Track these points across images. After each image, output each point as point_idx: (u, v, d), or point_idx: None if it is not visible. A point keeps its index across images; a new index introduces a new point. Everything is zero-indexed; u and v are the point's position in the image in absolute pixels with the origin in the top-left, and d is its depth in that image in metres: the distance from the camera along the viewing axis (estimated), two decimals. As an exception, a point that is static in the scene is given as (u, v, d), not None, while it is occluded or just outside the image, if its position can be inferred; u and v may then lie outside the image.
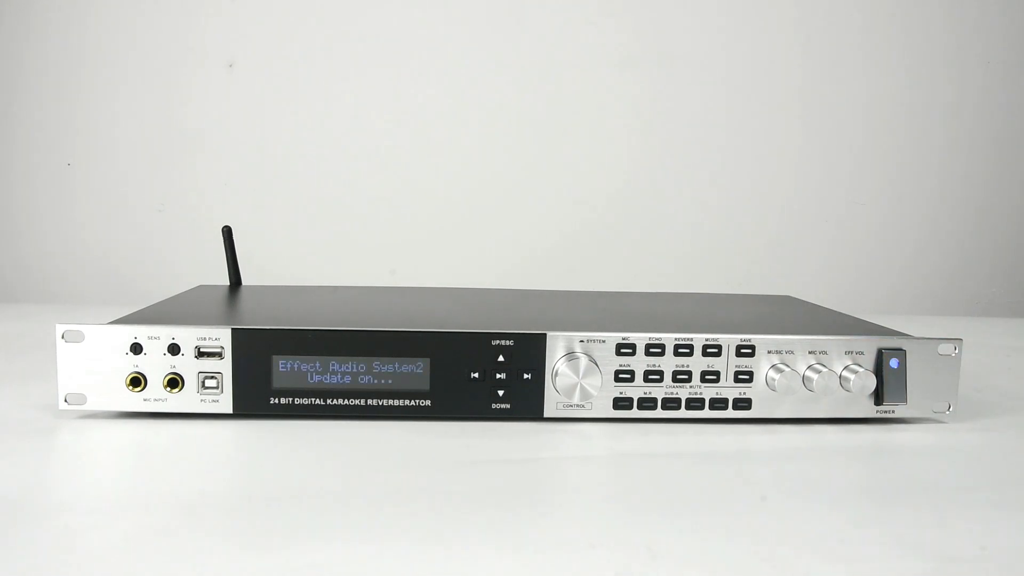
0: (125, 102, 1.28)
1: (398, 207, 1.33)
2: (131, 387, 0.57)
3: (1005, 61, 1.35)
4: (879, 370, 0.61)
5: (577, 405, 0.60)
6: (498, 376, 0.60)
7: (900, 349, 0.61)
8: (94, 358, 0.57)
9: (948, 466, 0.55)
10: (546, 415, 0.61)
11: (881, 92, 1.35)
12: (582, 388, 0.60)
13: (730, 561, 0.39)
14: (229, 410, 0.59)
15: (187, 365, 0.58)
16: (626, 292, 0.88)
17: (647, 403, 0.61)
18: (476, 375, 0.60)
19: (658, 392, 0.61)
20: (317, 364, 0.59)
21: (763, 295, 0.91)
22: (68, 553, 0.39)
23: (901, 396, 0.61)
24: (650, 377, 0.61)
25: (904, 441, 0.60)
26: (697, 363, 0.61)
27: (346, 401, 0.59)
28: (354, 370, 0.59)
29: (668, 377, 0.61)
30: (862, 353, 0.61)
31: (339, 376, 0.59)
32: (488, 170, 1.33)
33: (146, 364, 0.58)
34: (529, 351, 0.60)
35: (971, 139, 1.37)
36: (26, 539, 0.40)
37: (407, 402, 0.60)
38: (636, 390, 0.61)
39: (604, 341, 0.60)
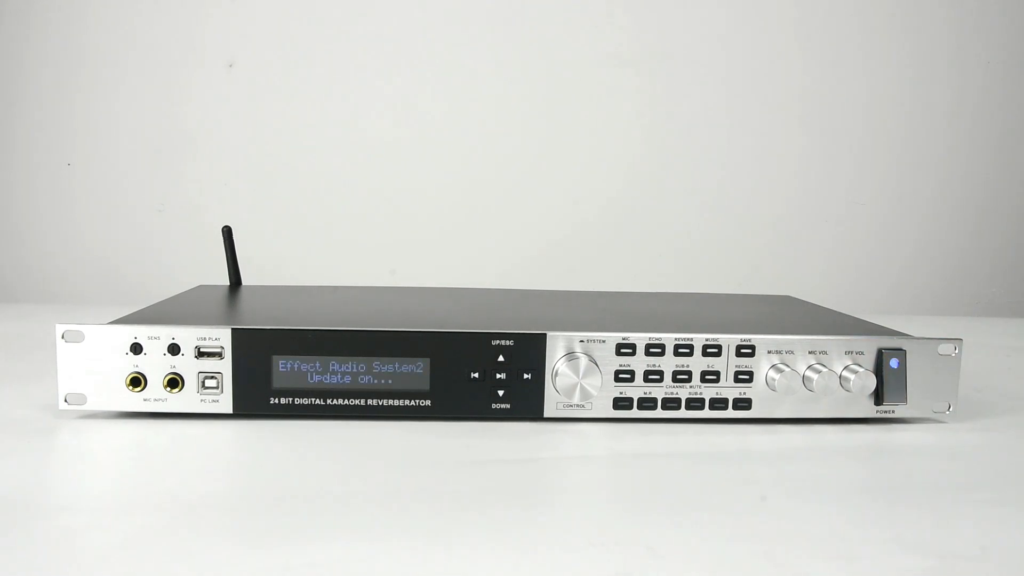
0: (125, 102, 1.28)
1: (398, 207, 1.33)
2: (131, 387, 0.57)
3: (1005, 61, 1.35)
4: (879, 370, 0.61)
5: (577, 405, 0.60)
6: (498, 376, 0.60)
7: (900, 349, 0.61)
8: (94, 358, 0.57)
9: (948, 466, 0.55)
10: (546, 415, 0.61)
11: (881, 92, 1.35)
12: (582, 388, 0.60)
13: (730, 561, 0.39)
14: (229, 410, 0.59)
15: (187, 365, 0.58)
16: (626, 292, 0.88)
17: (647, 403, 0.61)
18: (476, 375, 0.60)
19: (658, 392, 0.61)
20: (317, 364, 0.59)
21: (763, 295, 0.91)
22: (68, 553, 0.39)
23: (901, 396, 0.61)
24: (650, 377, 0.61)
25: (904, 441, 0.60)
26: (697, 363, 0.61)
27: (346, 401, 0.59)
28: (354, 370, 0.59)
29: (668, 377, 0.61)
30: (862, 353, 0.61)
31: (339, 376, 0.59)
32: (488, 170, 1.33)
33: (146, 364, 0.58)
34: (529, 351, 0.60)
35: (971, 139, 1.37)
36: (26, 539, 0.40)
37: (407, 402, 0.60)
38: (636, 390, 0.61)
39: (604, 341, 0.60)
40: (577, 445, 0.57)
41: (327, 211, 1.32)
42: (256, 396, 0.59)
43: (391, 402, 0.60)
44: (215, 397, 0.58)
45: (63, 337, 0.57)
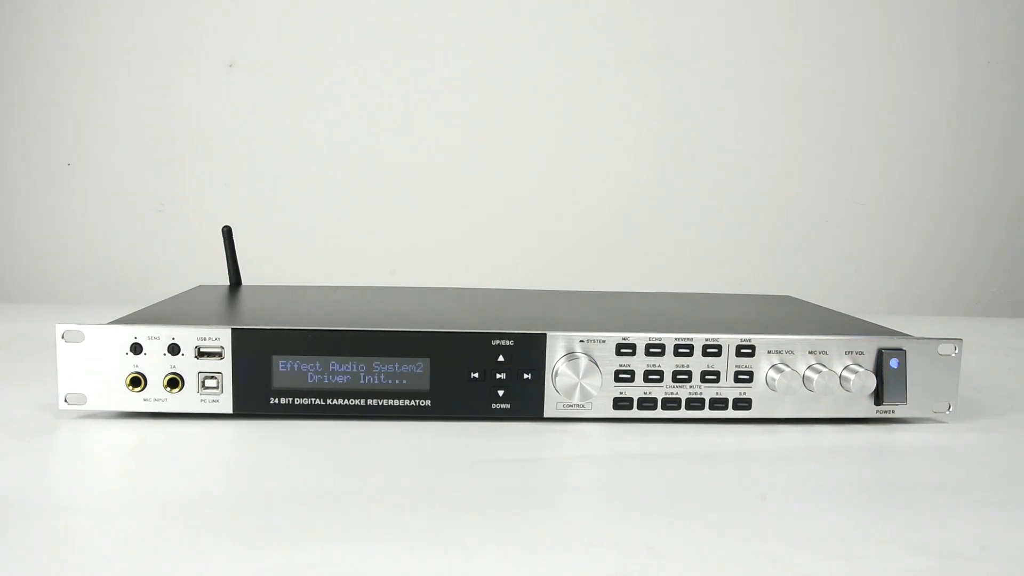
0: (125, 102, 1.28)
1: (398, 207, 1.33)
2: (131, 387, 0.57)
3: (1006, 61, 1.35)
4: (879, 370, 0.61)
5: (577, 405, 0.60)
6: (498, 376, 0.60)
7: (900, 349, 0.61)
8: (94, 358, 0.57)
9: (948, 466, 0.55)
10: (546, 415, 0.61)
11: (882, 92, 1.35)
12: (582, 388, 0.60)
13: (730, 560, 0.39)
14: (229, 410, 0.59)
15: (187, 365, 0.58)
16: (626, 292, 0.88)
17: (647, 403, 0.61)
18: (476, 375, 0.60)
19: (658, 392, 0.61)
20: (317, 364, 0.59)
21: (763, 295, 0.91)
22: (68, 553, 0.39)
23: (901, 396, 0.61)
24: (650, 377, 0.61)
25: (904, 441, 0.60)
26: (697, 363, 0.61)
27: (346, 401, 0.59)
28: (354, 370, 0.59)
29: (668, 377, 0.61)
30: (862, 353, 0.61)
31: (339, 376, 0.59)
32: (489, 170, 1.33)
33: (146, 364, 0.58)
34: (529, 351, 0.60)
35: (972, 139, 1.37)
36: (26, 539, 0.40)
37: (407, 402, 0.60)
38: (636, 390, 0.61)
39: (604, 341, 0.60)
40: (577, 445, 0.57)
41: (327, 211, 1.32)
42: (256, 396, 0.59)
43: (391, 402, 0.60)
44: (215, 397, 0.58)
45: (63, 337, 0.57)
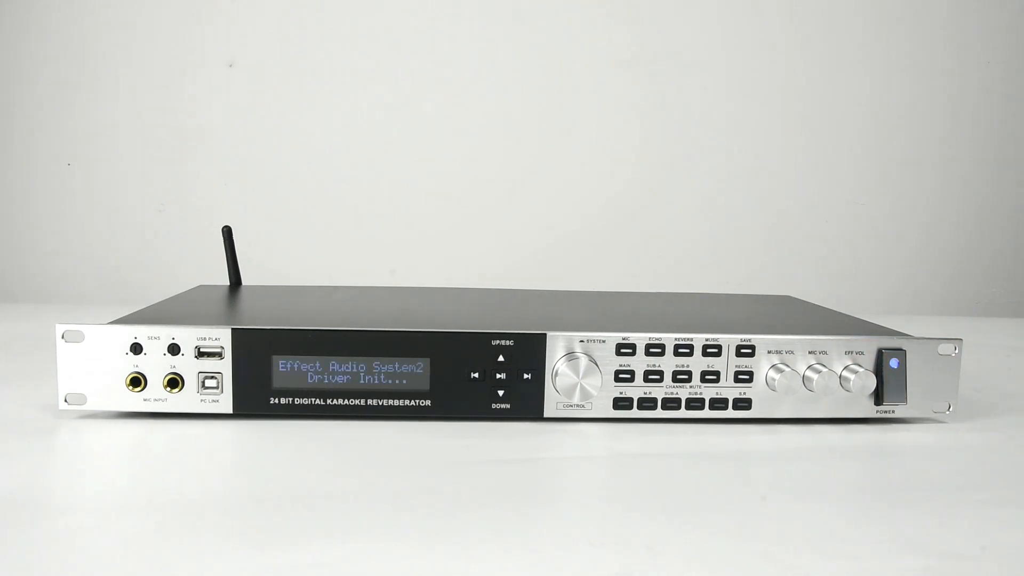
0: (125, 102, 1.28)
1: (398, 207, 1.33)
2: (131, 387, 0.57)
3: (1005, 61, 1.35)
4: (879, 370, 0.61)
5: (577, 405, 0.60)
6: (498, 376, 0.60)
7: (900, 349, 0.61)
8: (94, 358, 0.57)
9: (948, 466, 0.55)
10: (546, 415, 0.61)
11: (881, 92, 1.35)
12: (582, 388, 0.60)
13: (730, 560, 0.39)
14: (229, 410, 0.59)
15: (187, 365, 0.58)
16: (626, 292, 0.88)
17: (647, 403, 0.61)
18: (476, 375, 0.60)
19: (658, 392, 0.61)
20: (317, 364, 0.59)
21: (763, 295, 0.91)
22: (68, 553, 0.39)
23: (901, 396, 0.61)
24: (650, 377, 0.61)
25: (904, 441, 0.60)
26: (697, 363, 0.61)
27: (346, 401, 0.59)
28: (354, 370, 0.59)
29: (668, 377, 0.61)
30: (862, 353, 0.61)
31: (339, 376, 0.59)
32: (488, 170, 1.33)
33: (146, 364, 0.58)
34: (529, 351, 0.60)
35: (971, 139, 1.37)
36: (26, 539, 0.40)
37: (407, 402, 0.60)
38: (636, 390, 0.61)
39: (604, 341, 0.60)
40: (577, 445, 0.57)
41: (327, 211, 1.32)
42: (256, 396, 0.59)
43: (391, 402, 0.60)
44: (215, 397, 0.58)
45: (63, 337, 0.57)
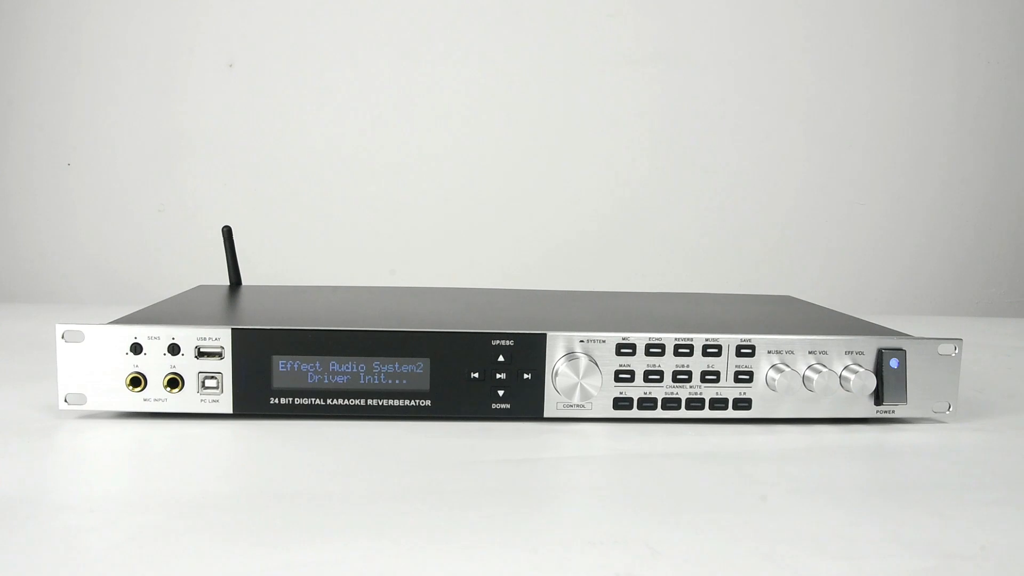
0: (125, 102, 1.28)
1: (398, 207, 1.33)
2: (131, 387, 0.57)
3: (1006, 61, 1.35)
4: (879, 370, 0.61)
5: (577, 405, 0.60)
6: (498, 376, 0.60)
7: (900, 349, 0.61)
8: (94, 358, 0.57)
9: (948, 466, 0.55)
10: (546, 415, 0.61)
11: (882, 93, 1.35)
12: (582, 388, 0.60)
13: (731, 560, 0.39)
14: (229, 410, 0.59)
15: (187, 365, 0.58)
16: (626, 292, 0.88)
17: (647, 403, 0.61)
18: (476, 375, 0.60)
19: (658, 392, 0.61)
20: (317, 364, 0.59)
21: (763, 295, 0.91)
22: (68, 553, 0.39)
23: (901, 396, 0.61)
24: (650, 377, 0.61)
25: (904, 441, 0.60)
26: (697, 363, 0.61)
27: (346, 401, 0.59)
28: (354, 370, 0.59)
29: (668, 377, 0.61)
30: (862, 353, 0.61)
31: (339, 376, 0.59)
32: (488, 170, 1.33)
33: (146, 364, 0.58)
34: (529, 351, 0.60)
35: (972, 139, 1.37)
36: (26, 539, 0.40)
37: (407, 402, 0.60)
38: (636, 390, 0.61)
39: (604, 341, 0.60)
40: (577, 445, 0.57)
41: (327, 211, 1.32)
42: (256, 396, 0.59)
43: (391, 402, 0.60)
44: (215, 397, 0.58)
45: (63, 337, 0.57)
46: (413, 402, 0.60)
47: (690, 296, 0.88)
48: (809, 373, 0.61)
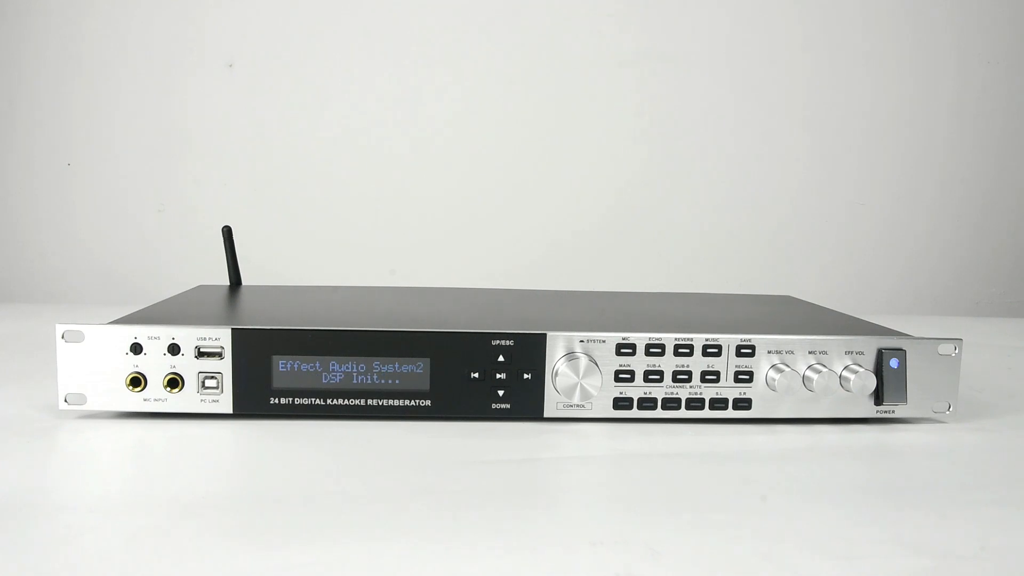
0: (125, 102, 1.28)
1: (398, 207, 1.33)
2: (131, 387, 0.57)
3: (1007, 61, 1.35)
4: (879, 370, 0.61)
5: (577, 405, 0.60)
6: (498, 376, 0.60)
7: (900, 349, 0.61)
8: (94, 358, 0.57)
9: (948, 466, 0.55)
10: (546, 415, 0.61)
11: (882, 92, 1.35)
12: (582, 388, 0.60)
13: (731, 560, 0.39)
14: (229, 410, 0.59)
15: (187, 365, 0.58)
16: (626, 292, 0.88)
17: (647, 403, 0.61)
18: (476, 375, 0.60)
19: (658, 392, 0.61)
20: (317, 364, 0.59)
21: (763, 295, 0.91)
22: (68, 553, 0.39)
23: (901, 396, 0.61)
24: (650, 377, 0.61)
25: (904, 441, 0.60)
26: (697, 363, 0.61)
27: (346, 401, 0.59)
28: (354, 370, 0.59)
29: (668, 377, 0.61)
30: (862, 353, 0.61)
31: (339, 376, 0.59)
32: (489, 170, 1.33)
33: (146, 364, 0.58)
34: (529, 351, 0.60)
35: (972, 139, 1.37)
36: (26, 539, 0.40)
37: (407, 402, 0.60)
38: (636, 390, 0.61)
39: (604, 341, 0.60)
40: (577, 445, 0.57)
41: (327, 211, 1.32)
42: (256, 396, 0.59)
43: (391, 402, 0.60)
44: (215, 397, 0.58)
45: (63, 337, 0.57)
46: (413, 402, 0.60)
47: (690, 296, 0.88)
48: (809, 373, 0.61)
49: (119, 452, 0.54)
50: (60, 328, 0.57)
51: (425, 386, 0.60)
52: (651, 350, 0.60)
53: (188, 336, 0.58)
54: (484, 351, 0.60)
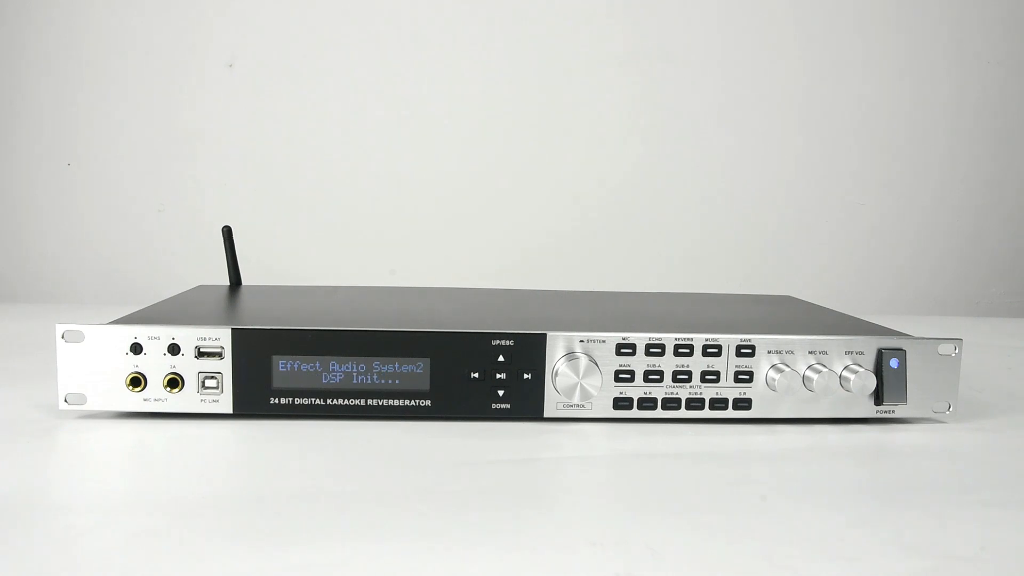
0: (125, 102, 1.28)
1: (398, 207, 1.33)
2: (131, 387, 0.57)
3: (1005, 60, 1.35)
4: (879, 370, 0.61)
5: (577, 405, 0.60)
6: (498, 376, 0.60)
7: (900, 349, 0.61)
8: (94, 358, 0.57)
9: (948, 466, 0.55)
10: (546, 415, 0.61)
11: (881, 92, 1.35)
12: (582, 388, 0.60)
13: (730, 560, 0.39)
14: (229, 410, 0.59)
15: (187, 365, 0.58)
16: (626, 292, 0.88)
17: (647, 403, 0.61)
18: (476, 375, 0.60)
19: (658, 392, 0.61)
20: (317, 364, 0.59)
21: (763, 295, 0.91)
22: (68, 553, 0.39)
23: (901, 396, 0.61)
24: (650, 377, 0.61)
25: (904, 441, 0.60)
26: (697, 363, 0.61)
27: (346, 401, 0.59)
28: (354, 370, 0.59)
29: (668, 377, 0.61)
30: (862, 353, 0.61)
31: (339, 376, 0.59)
32: (488, 170, 1.33)
33: (146, 364, 0.58)
34: (529, 351, 0.60)
35: (971, 139, 1.37)
36: (26, 539, 0.40)
37: (407, 402, 0.60)
38: (636, 390, 0.61)
39: (604, 341, 0.60)
40: (577, 445, 0.57)
41: (327, 211, 1.32)
42: (256, 396, 0.59)
43: (391, 402, 0.60)
44: (215, 397, 0.58)
45: (63, 337, 0.57)
46: (413, 402, 0.60)
47: (690, 296, 0.88)
48: (809, 373, 0.61)
49: (119, 452, 0.54)
50: (60, 328, 0.57)
51: (425, 386, 0.60)
52: (651, 350, 0.60)
53: (188, 336, 0.58)
54: (484, 351, 0.60)
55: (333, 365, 0.59)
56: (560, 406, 0.60)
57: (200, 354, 0.58)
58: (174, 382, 0.58)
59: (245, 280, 0.87)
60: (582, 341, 0.60)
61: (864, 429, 0.62)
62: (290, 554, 0.39)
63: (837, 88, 1.34)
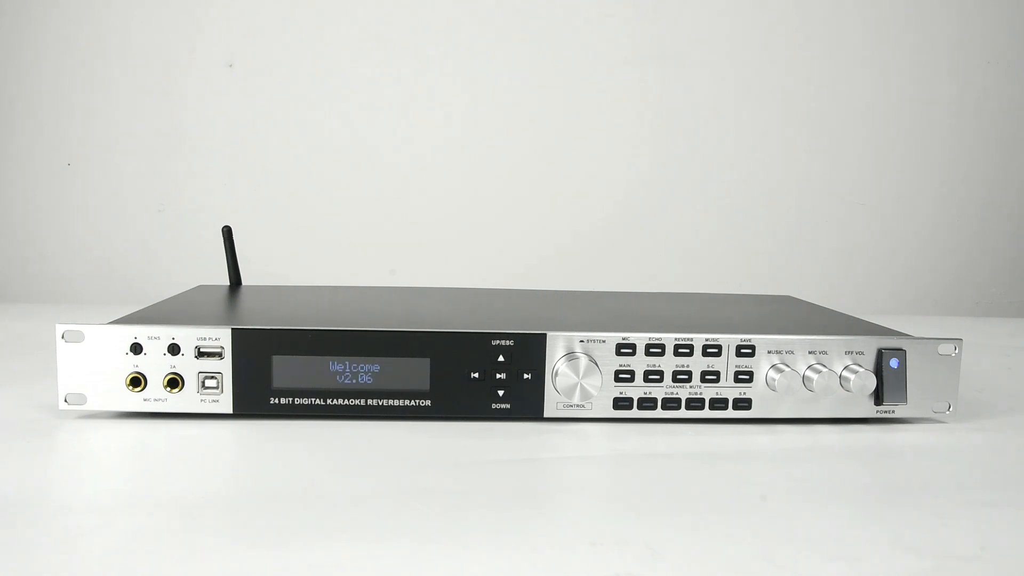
0: (125, 102, 1.28)
1: (398, 207, 1.33)
2: (131, 387, 0.57)
3: (1007, 61, 1.35)
4: (879, 370, 0.61)
5: (577, 405, 0.60)
6: (498, 376, 0.60)
7: (900, 349, 0.61)
8: (94, 358, 0.57)
9: (948, 466, 0.55)
10: (546, 415, 0.61)
11: (882, 92, 1.35)
12: (582, 388, 0.60)
13: (730, 560, 0.39)
14: (229, 410, 0.59)
15: (187, 365, 0.58)
16: (626, 292, 0.88)
17: (647, 403, 0.61)
18: (476, 375, 0.60)
19: (658, 392, 0.61)
20: (317, 364, 0.59)
21: (763, 295, 0.91)
22: (68, 553, 0.39)
23: (901, 396, 0.61)
24: (650, 377, 0.61)
25: (904, 441, 0.60)
26: (697, 363, 0.61)
27: (346, 401, 0.59)
28: (354, 370, 0.59)
29: (668, 377, 0.61)
30: (862, 353, 0.61)
31: (339, 376, 0.59)
32: (488, 170, 1.33)
33: (146, 364, 0.58)
34: (529, 351, 0.60)
35: (972, 139, 1.37)
36: (26, 539, 0.40)
37: (407, 402, 0.60)
38: (636, 390, 0.61)
39: (604, 341, 0.60)
40: (577, 445, 0.57)
41: (327, 211, 1.32)
42: (256, 396, 0.59)
43: (391, 402, 0.60)
44: (215, 397, 0.58)
45: (63, 337, 0.57)
46: (413, 402, 0.60)
47: (690, 296, 0.88)
48: (809, 373, 0.61)
49: (119, 452, 0.54)
50: (60, 328, 0.57)
51: (425, 386, 0.60)
52: (651, 350, 0.60)
53: (188, 336, 0.58)
54: (484, 351, 0.60)
55: (333, 365, 0.59)
56: (560, 406, 0.60)
57: (200, 354, 0.58)
58: (174, 382, 0.58)
59: (245, 280, 0.87)
60: (582, 341, 0.60)
61: (864, 429, 0.62)
62: (290, 554, 0.39)
63: (838, 89, 1.34)
